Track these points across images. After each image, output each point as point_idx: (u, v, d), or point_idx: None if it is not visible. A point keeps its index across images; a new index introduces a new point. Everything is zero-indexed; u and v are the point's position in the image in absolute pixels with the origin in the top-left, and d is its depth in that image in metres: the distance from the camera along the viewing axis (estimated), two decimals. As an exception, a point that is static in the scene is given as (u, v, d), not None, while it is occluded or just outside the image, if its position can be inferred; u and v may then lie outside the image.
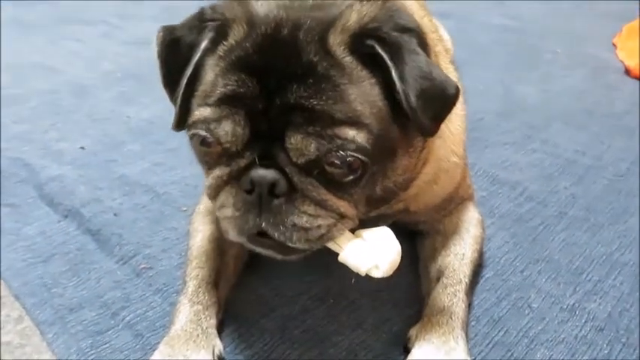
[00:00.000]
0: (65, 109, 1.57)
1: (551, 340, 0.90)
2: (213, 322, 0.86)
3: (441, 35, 1.12)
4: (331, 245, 0.76)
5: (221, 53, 0.73)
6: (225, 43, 0.73)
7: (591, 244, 1.10)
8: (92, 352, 0.86)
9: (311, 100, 0.67)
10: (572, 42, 2.12)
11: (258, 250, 0.78)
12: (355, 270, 0.75)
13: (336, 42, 0.70)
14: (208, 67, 0.74)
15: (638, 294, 0.99)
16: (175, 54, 0.77)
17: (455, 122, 0.92)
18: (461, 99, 0.84)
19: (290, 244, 0.72)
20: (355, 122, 0.68)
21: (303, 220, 0.71)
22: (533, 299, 0.97)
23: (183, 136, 1.39)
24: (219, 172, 0.74)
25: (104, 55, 1.96)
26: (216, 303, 0.88)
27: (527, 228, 1.14)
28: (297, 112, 0.67)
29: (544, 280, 1.01)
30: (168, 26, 0.80)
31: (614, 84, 1.81)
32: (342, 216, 0.74)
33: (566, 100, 1.69)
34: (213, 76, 0.72)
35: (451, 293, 0.89)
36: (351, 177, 0.71)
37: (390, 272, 0.73)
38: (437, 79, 0.72)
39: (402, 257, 0.75)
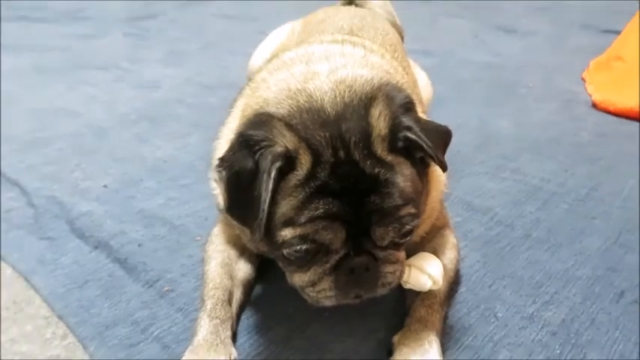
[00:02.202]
0: (87, 151, 1.75)
1: (512, 344, 1.06)
2: (229, 333, 1.03)
3: (418, 89, 1.30)
4: None
5: (296, 182, 0.86)
6: (296, 173, 0.86)
7: (551, 262, 1.27)
8: (128, 360, 1.03)
9: (383, 204, 0.87)
10: (544, 77, 2.33)
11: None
12: (419, 290, 1.04)
13: (381, 151, 0.89)
14: (284, 194, 0.87)
15: (588, 303, 1.16)
16: (239, 184, 0.88)
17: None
18: None
19: (377, 296, 0.97)
20: (408, 200, 0.89)
21: (388, 279, 0.95)
22: (499, 309, 1.14)
23: (194, 174, 1.59)
24: (319, 269, 0.92)
25: (118, 98, 2.15)
26: (230, 318, 1.05)
27: (495, 249, 1.31)
28: (376, 214, 0.88)
29: (508, 293, 1.18)
30: (224, 163, 0.90)
31: (581, 116, 2.00)
32: (400, 262, 0.98)
33: (537, 132, 1.88)
34: (296, 202, 0.86)
35: (427, 305, 1.06)
36: (410, 236, 0.95)
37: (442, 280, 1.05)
38: (441, 130, 0.96)
39: None
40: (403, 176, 0.90)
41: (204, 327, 1.02)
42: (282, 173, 0.87)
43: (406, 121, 0.91)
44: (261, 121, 0.91)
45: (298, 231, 0.87)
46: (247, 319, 1.12)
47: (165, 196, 1.53)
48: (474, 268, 1.25)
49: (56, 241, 1.34)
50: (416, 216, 0.92)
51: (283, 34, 1.72)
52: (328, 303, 0.95)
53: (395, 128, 0.90)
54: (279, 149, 0.86)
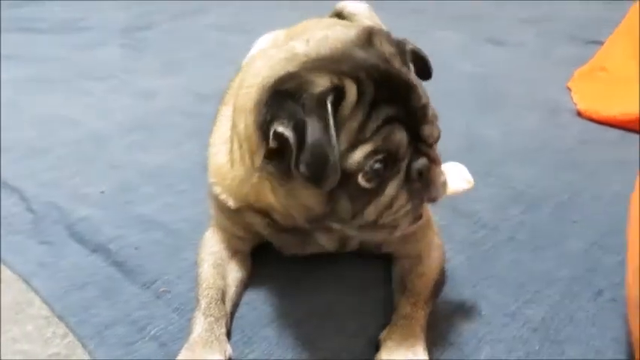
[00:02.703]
0: (86, 158, 1.79)
1: (495, 340, 1.11)
2: (223, 330, 1.07)
3: None
4: None
5: (350, 108, 0.90)
6: (346, 101, 0.89)
7: (533, 263, 1.32)
8: (127, 358, 1.07)
9: (421, 102, 0.95)
10: (531, 86, 2.38)
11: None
12: (457, 193, 1.12)
13: (398, 64, 0.96)
14: (341, 125, 0.89)
15: (567, 301, 1.21)
16: (297, 136, 0.87)
17: None
18: None
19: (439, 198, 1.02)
20: (429, 100, 0.98)
21: (442, 178, 1.01)
22: (482, 308, 1.18)
23: (189, 180, 1.63)
24: (394, 183, 0.94)
25: (115, 107, 2.19)
26: (225, 316, 1.10)
27: (480, 251, 1.36)
28: (419, 113, 0.95)
29: (492, 292, 1.23)
30: (282, 117, 0.88)
31: (565, 124, 2.06)
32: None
33: (522, 139, 1.94)
34: (356, 124, 0.90)
35: (413, 303, 1.11)
36: (439, 135, 1.01)
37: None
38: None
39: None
40: (418, 81, 0.99)
41: (200, 325, 1.06)
42: (333, 107, 0.88)
43: (401, 40, 1.02)
44: (287, 77, 0.92)
45: (368, 147, 0.90)
46: (241, 319, 1.17)
47: (162, 201, 1.57)
48: (459, 269, 1.30)
49: (55, 245, 1.38)
50: (437, 116, 0.99)
51: (265, 43, 1.76)
52: (406, 221, 0.98)
53: (399, 46, 0.99)
54: (320, 88, 0.88)
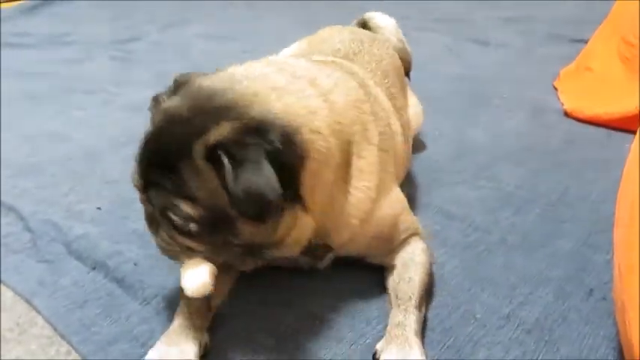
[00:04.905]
0: (80, 174, 1.80)
1: (491, 342, 1.14)
2: (201, 320, 1.13)
3: (393, 118, 1.37)
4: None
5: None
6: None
7: (525, 264, 1.35)
8: (130, 374, 1.09)
9: (164, 183, 1.03)
10: (517, 87, 2.43)
11: None
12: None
13: (197, 151, 1.00)
14: None
15: (560, 301, 1.24)
16: None
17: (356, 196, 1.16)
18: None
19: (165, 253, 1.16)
20: (191, 200, 1.02)
21: (162, 242, 1.13)
22: (477, 311, 1.21)
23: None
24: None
25: (107, 121, 2.20)
26: (205, 305, 1.15)
27: (473, 254, 1.39)
28: (156, 186, 1.05)
29: (486, 295, 1.26)
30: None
31: (552, 124, 2.11)
32: (190, 249, 1.09)
33: (510, 140, 1.98)
34: None
35: (403, 310, 1.13)
36: (189, 229, 1.05)
37: (196, 295, 1.08)
38: (260, 186, 0.96)
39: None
40: (200, 182, 1.01)
41: (180, 315, 1.13)
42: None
43: (236, 149, 0.97)
44: (175, 82, 1.19)
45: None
46: (238, 328, 1.18)
47: (157, 216, 1.58)
48: (454, 273, 1.33)
49: (54, 263, 1.39)
50: (194, 220, 1.03)
51: (290, 52, 1.78)
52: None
53: (218, 145, 0.99)
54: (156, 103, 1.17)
